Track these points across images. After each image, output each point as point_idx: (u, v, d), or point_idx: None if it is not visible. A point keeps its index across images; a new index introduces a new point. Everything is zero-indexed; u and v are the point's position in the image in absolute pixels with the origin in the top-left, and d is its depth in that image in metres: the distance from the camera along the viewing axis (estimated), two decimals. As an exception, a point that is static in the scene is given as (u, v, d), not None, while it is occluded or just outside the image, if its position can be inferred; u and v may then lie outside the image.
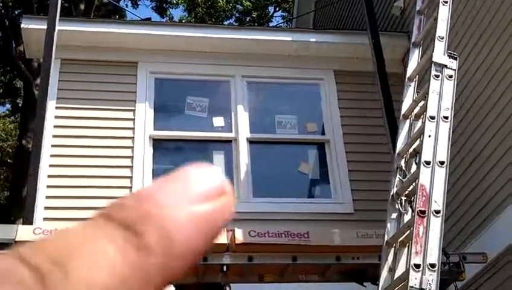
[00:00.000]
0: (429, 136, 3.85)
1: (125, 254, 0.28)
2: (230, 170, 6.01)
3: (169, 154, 6.43)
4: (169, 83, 6.58)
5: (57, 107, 6.03)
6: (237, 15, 20.98)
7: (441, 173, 3.67)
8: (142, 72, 6.41)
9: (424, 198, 3.55)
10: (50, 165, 5.70)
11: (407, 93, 4.45)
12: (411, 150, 4.16)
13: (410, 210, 3.84)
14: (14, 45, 14.07)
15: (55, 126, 5.96)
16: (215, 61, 6.50)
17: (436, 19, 4.34)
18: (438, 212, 3.49)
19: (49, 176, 5.64)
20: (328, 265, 4.23)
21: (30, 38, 6.43)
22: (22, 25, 6.47)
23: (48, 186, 5.59)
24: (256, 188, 6.00)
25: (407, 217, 3.82)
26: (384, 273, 3.61)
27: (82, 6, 15.50)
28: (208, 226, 0.30)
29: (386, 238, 3.76)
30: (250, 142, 6.25)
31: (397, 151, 4.20)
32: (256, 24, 19.60)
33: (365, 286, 4.30)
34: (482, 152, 5.31)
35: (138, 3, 19.51)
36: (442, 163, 3.72)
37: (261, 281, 4.28)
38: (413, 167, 4.05)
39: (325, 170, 6.26)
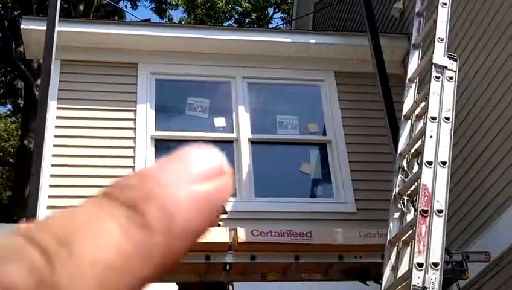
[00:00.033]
0: (431, 136, 3.87)
1: (129, 233, 0.28)
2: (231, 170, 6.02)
3: (171, 154, 6.44)
4: (169, 83, 6.60)
5: (58, 108, 6.05)
6: (236, 16, 20.99)
7: (443, 173, 3.70)
8: (142, 73, 6.43)
9: (426, 198, 3.57)
10: (52, 165, 5.71)
11: (408, 95, 4.48)
12: (413, 150, 4.19)
13: (412, 210, 3.87)
14: (14, 46, 14.07)
15: (57, 126, 5.97)
16: (215, 63, 6.52)
17: (435, 21, 4.36)
18: (440, 211, 3.52)
19: (52, 176, 5.66)
20: (330, 264, 4.25)
21: (30, 39, 6.44)
22: (22, 26, 6.47)
23: (51, 186, 5.61)
24: (258, 187, 6.02)
25: (409, 217, 3.85)
26: (387, 272, 3.63)
27: (81, 7, 15.51)
28: (208, 206, 0.30)
29: (388, 238, 3.78)
30: (252, 142, 6.27)
31: (399, 151, 4.22)
32: (255, 26, 19.62)
33: (368, 285, 4.32)
34: (483, 153, 5.34)
35: (137, 4, 19.52)
36: (444, 163, 3.74)
37: (263, 280, 4.30)
38: (415, 167, 4.08)
39: (327, 170, 6.28)
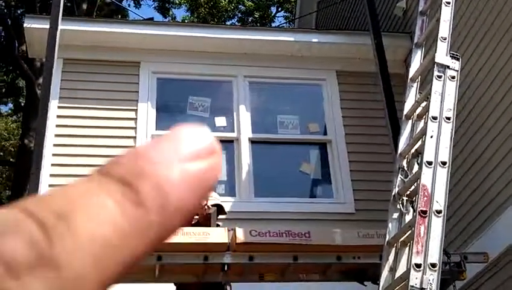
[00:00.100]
0: (431, 136, 3.85)
1: (124, 210, 0.28)
2: (232, 170, 6.01)
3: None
4: (171, 82, 6.59)
5: (59, 107, 6.04)
6: (239, 15, 20.98)
7: (442, 174, 3.68)
8: (144, 71, 6.42)
9: (425, 198, 3.55)
10: (52, 164, 5.71)
11: (410, 94, 4.45)
12: (413, 150, 4.16)
13: (411, 210, 3.84)
14: (16, 45, 14.08)
15: (58, 125, 5.97)
16: (217, 61, 6.51)
17: (438, 20, 4.33)
18: (439, 212, 3.49)
19: (51, 175, 5.66)
20: (328, 264, 4.23)
21: (32, 37, 6.44)
22: (25, 25, 6.48)
23: (50, 185, 5.60)
24: (258, 187, 6.01)
25: (408, 217, 3.82)
26: (385, 272, 3.61)
27: (84, 6, 15.52)
28: (199, 185, 0.30)
29: (387, 238, 3.76)
30: (252, 142, 6.25)
31: (399, 151, 4.20)
32: (258, 24, 19.60)
33: (366, 286, 4.31)
34: (484, 153, 5.31)
35: (141, 3, 19.52)
36: (444, 163, 3.72)
37: (261, 281, 4.29)
38: (415, 167, 4.05)
39: (327, 170, 6.26)
